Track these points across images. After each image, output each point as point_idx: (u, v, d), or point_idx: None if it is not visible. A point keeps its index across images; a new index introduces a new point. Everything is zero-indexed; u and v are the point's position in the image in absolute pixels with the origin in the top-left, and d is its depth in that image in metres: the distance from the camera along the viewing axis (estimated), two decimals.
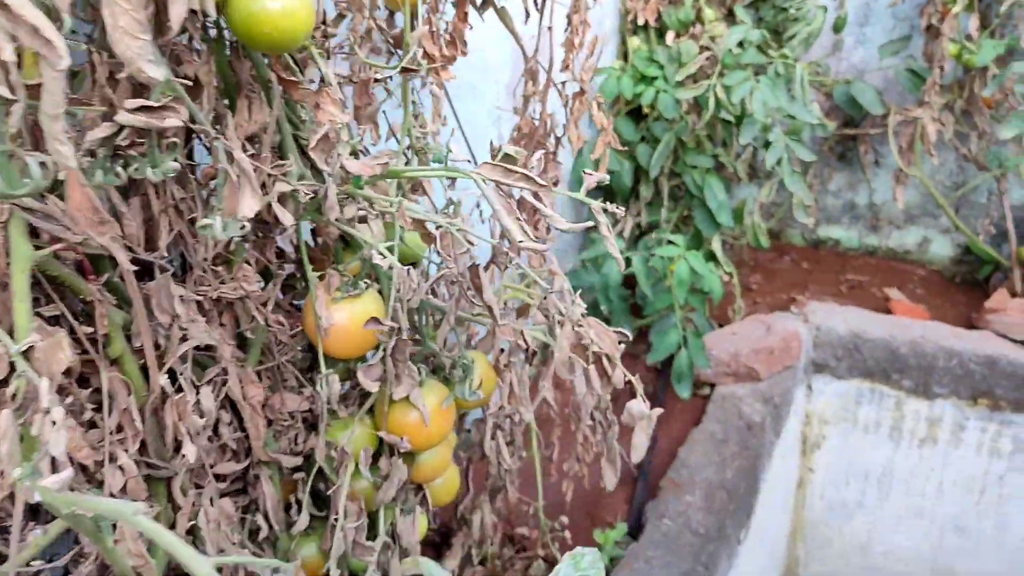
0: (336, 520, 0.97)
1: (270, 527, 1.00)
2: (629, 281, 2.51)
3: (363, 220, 0.92)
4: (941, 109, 2.72)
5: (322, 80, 0.84)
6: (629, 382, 1.13)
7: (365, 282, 0.98)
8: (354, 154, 1.07)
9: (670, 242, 2.37)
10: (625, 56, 2.75)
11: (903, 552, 2.84)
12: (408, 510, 1.13)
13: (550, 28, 1.46)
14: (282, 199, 0.85)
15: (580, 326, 1.09)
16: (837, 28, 2.96)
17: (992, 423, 2.54)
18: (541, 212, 0.79)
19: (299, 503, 1.05)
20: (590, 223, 0.80)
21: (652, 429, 1.14)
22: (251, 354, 0.98)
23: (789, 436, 2.62)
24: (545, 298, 0.94)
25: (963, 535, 2.73)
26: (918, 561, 2.83)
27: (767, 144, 2.44)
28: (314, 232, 1.07)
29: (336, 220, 0.85)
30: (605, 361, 1.11)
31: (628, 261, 2.39)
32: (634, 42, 2.67)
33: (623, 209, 0.86)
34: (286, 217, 0.81)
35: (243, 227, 0.71)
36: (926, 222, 3.14)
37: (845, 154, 3.16)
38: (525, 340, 1.08)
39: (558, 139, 1.61)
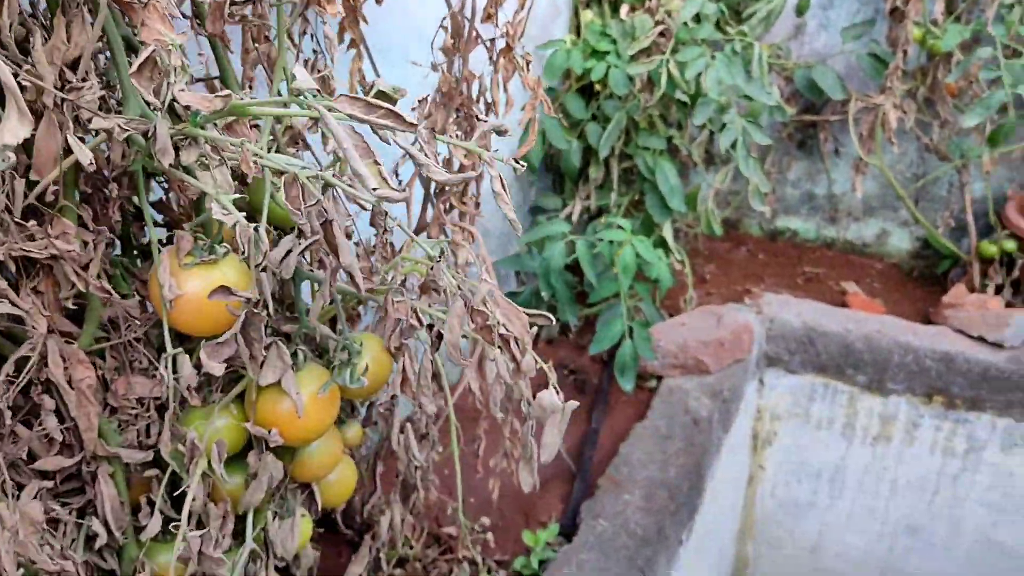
0: (183, 527, 0.82)
1: (109, 533, 0.85)
2: (578, 268, 2.37)
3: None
4: (903, 96, 2.62)
5: None
6: (542, 370, 1.00)
7: (225, 246, 0.83)
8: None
9: (619, 227, 2.24)
10: (578, 30, 2.61)
11: (855, 553, 2.75)
12: (285, 514, 0.99)
13: None
14: (109, 141, 0.70)
15: (485, 305, 0.95)
16: (800, 11, 2.84)
17: (947, 421, 2.45)
18: (416, 159, 0.65)
19: (151, 504, 0.90)
20: (472, 174, 0.66)
21: (566, 424, 1.01)
22: (85, 329, 0.82)
23: (739, 432, 2.51)
24: (431, 268, 0.80)
25: (915, 536, 2.64)
26: (870, 563, 2.75)
27: (723, 127, 2.32)
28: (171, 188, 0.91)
29: (171, 166, 0.70)
30: (514, 346, 0.97)
31: (572, 245, 2.25)
32: (587, 15, 2.54)
33: (523, 165, 0.72)
34: (83, 154, 0.65)
35: (5, 160, 0.56)
36: (885, 214, 3.05)
37: (805, 142, 3.05)
38: (419, 319, 0.94)
39: (488, 104, 1.47)
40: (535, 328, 1.00)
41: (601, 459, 2.10)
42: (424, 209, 1.48)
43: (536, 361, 0.97)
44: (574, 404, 0.99)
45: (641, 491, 1.88)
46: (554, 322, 1.05)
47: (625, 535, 1.75)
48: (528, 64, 1.28)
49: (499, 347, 0.96)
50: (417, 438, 1.35)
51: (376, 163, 0.61)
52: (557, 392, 0.97)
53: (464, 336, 1.15)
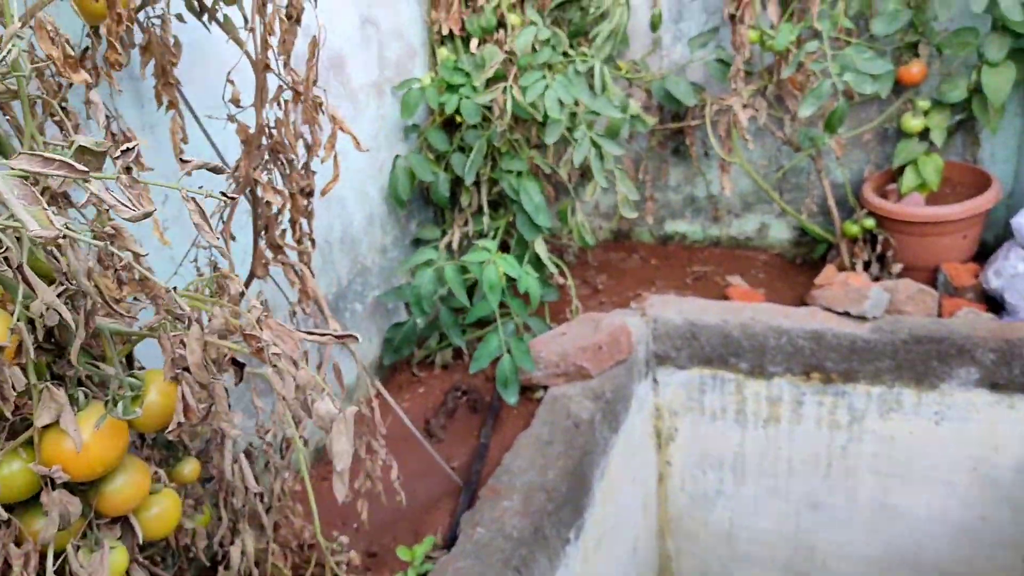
0: None
1: None
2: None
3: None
4: (752, 95, 2.77)
5: None
6: (317, 379, 1.08)
7: None
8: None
9: (485, 248, 2.34)
10: (437, 68, 2.74)
11: (766, 535, 2.85)
12: (93, 547, 1.05)
13: (268, 33, 1.41)
14: None
15: (256, 328, 1.03)
16: (654, 26, 3.00)
17: (827, 396, 2.57)
18: (104, 201, 0.74)
19: None
20: (150, 208, 0.75)
21: (351, 430, 1.09)
22: None
23: (635, 431, 2.61)
24: (170, 300, 0.88)
25: (818, 511, 2.75)
26: (781, 542, 2.84)
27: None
28: None
29: None
30: (289, 363, 1.05)
31: (443, 272, 2.35)
32: (443, 52, 2.66)
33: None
34: None
35: None
36: (762, 208, 3.20)
37: (678, 148, 3.20)
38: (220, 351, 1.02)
39: (309, 146, 1.57)
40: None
41: (489, 472, 2.18)
42: (255, 249, 1.56)
43: (308, 374, 1.05)
44: (353, 410, 1.07)
45: (520, 496, 1.96)
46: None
47: (501, 539, 1.83)
48: (320, 106, 1.38)
49: (273, 365, 1.05)
50: (268, 467, 1.42)
51: (44, 209, 0.70)
52: (332, 401, 1.05)
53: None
